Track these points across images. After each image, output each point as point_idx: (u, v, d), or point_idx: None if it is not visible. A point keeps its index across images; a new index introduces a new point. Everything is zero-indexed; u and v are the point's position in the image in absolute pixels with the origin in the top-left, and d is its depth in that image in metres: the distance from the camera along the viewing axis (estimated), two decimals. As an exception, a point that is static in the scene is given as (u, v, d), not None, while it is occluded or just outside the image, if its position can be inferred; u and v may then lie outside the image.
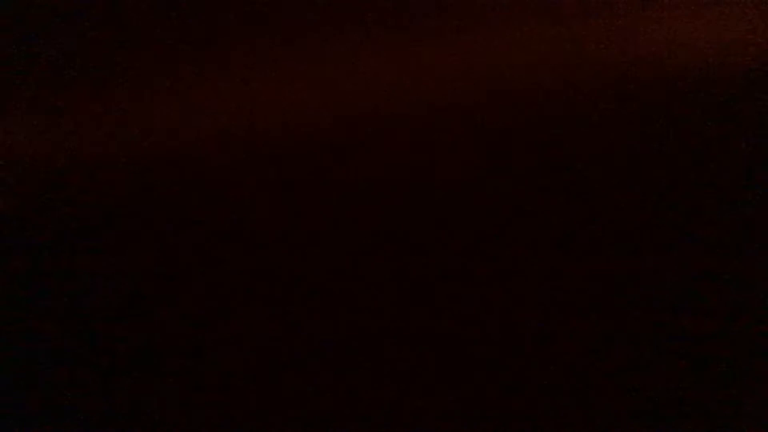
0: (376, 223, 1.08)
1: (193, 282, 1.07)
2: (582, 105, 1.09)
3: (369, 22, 1.09)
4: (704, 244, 1.11)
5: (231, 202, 1.07)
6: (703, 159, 1.10)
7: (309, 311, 1.08)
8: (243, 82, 1.07)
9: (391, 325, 1.09)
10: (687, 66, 1.10)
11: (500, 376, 1.11)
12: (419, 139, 1.08)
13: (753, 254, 1.11)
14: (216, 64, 1.08)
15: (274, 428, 1.09)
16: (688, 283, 1.11)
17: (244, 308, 1.07)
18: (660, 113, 1.10)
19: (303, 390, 1.09)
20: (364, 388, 1.09)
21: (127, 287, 1.06)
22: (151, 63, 1.07)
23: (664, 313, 1.11)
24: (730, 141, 1.11)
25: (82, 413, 1.07)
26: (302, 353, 1.08)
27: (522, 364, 1.10)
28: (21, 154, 1.05)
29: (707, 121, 1.10)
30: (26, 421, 1.06)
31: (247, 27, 1.09)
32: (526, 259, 1.10)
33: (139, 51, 1.07)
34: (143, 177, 1.06)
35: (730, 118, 1.10)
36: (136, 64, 1.07)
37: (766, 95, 1.10)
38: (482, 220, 1.09)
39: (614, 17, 1.11)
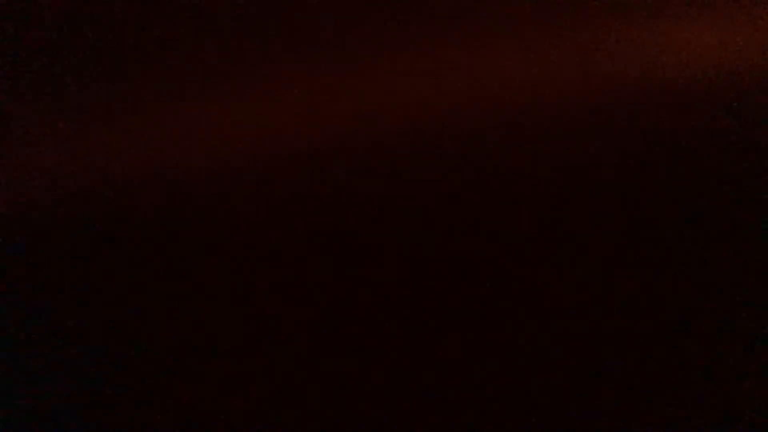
0: (383, 235, 1.09)
1: (198, 287, 1.07)
2: (582, 116, 1.10)
3: (374, 32, 1.10)
4: (709, 248, 1.11)
5: (232, 215, 1.07)
6: (706, 166, 1.11)
7: (315, 323, 1.09)
8: (246, 98, 1.08)
9: (399, 332, 1.10)
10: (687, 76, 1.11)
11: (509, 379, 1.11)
12: (426, 152, 1.08)
13: (755, 258, 1.12)
14: (221, 83, 1.08)
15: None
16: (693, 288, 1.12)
17: (251, 316, 1.08)
18: (664, 126, 1.10)
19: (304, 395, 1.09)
20: (368, 395, 1.10)
21: (128, 292, 1.06)
22: (163, 78, 1.08)
23: (665, 320, 1.11)
24: (734, 147, 1.11)
25: (82, 415, 1.07)
26: (319, 362, 1.09)
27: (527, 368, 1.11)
28: (25, 158, 1.05)
29: (711, 128, 1.11)
30: (26, 422, 1.06)
31: (251, 43, 1.09)
32: (529, 264, 1.10)
33: (151, 67, 1.08)
34: (147, 184, 1.06)
35: (735, 126, 1.11)
36: (146, 78, 1.08)
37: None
38: (480, 228, 1.09)
39: (620, 28, 1.11)
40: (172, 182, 1.06)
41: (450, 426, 1.10)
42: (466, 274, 1.10)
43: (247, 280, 1.08)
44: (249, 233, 1.07)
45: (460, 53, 1.10)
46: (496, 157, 1.09)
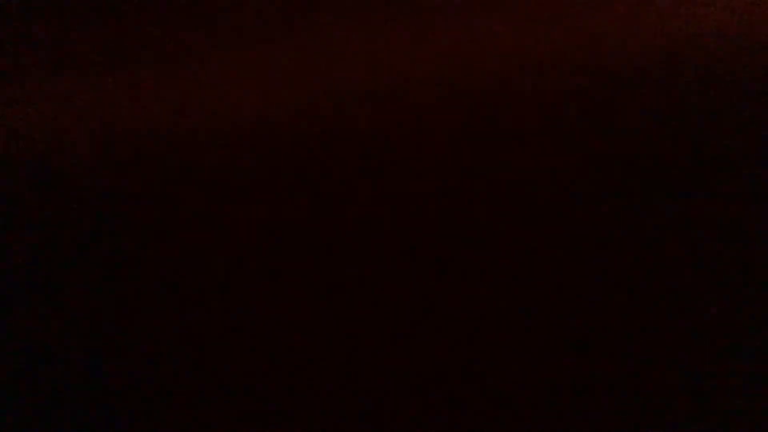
0: (366, 215, 1.08)
1: (193, 278, 1.07)
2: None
3: (356, 14, 1.10)
4: (709, 244, 1.12)
5: (218, 195, 1.07)
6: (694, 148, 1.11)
7: (304, 307, 1.08)
8: (227, 76, 1.08)
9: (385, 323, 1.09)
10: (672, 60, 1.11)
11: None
12: (403, 130, 1.08)
13: (748, 241, 1.12)
14: (204, 60, 1.08)
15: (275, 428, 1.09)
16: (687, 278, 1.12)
17: (240, 303, 1.08)
18: (665, 108, 1.11)
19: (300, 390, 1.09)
20: (363, 390, 1.10)
21: (127, 292, 1.06)
22: (146, 56, 1.07)
23: (659, 314, 1.12)
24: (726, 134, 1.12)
25: (81, 413, 1.06)
26: (305, 351, 1.09)
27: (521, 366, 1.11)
28: (20, 148, 1.05)
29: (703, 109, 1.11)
30: (26, 422, 1.05)
31: (229, 22, 1.09)
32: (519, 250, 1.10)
33: (135, 47, 1.08)
34: (138, 173, 1.05)
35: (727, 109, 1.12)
36: (130, 59, 1.07)
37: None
38: (468, 213, 1.09)
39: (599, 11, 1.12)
40: (163, 169, 1.06)
41: (450, 426, 1.10)
42: (466, 275, 1.10)
43: (247, 279, 1.07)
44: (249, 232, 1.07)
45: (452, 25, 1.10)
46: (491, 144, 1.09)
